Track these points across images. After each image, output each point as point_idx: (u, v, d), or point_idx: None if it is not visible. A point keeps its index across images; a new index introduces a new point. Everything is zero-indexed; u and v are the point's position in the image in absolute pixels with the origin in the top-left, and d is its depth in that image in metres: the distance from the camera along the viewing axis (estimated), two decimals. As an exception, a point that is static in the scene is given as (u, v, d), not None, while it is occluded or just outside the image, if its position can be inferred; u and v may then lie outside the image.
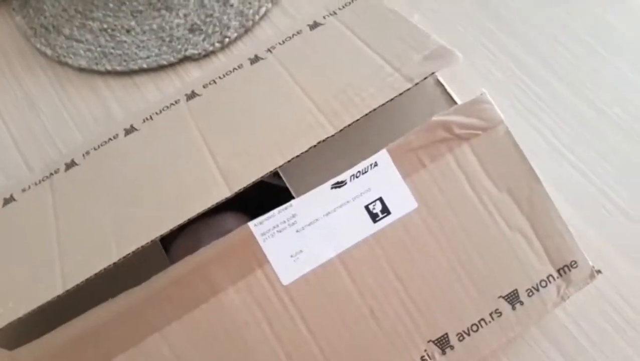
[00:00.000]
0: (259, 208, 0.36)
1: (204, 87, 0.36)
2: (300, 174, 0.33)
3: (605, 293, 0.37)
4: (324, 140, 0.30)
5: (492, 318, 0.30)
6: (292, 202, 0.31)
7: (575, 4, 0.49)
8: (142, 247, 0.28)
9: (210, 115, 0.34)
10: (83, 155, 0.35)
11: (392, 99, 0.30)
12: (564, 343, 0.35)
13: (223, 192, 0.29)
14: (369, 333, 0.30)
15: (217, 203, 0.29)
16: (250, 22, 0.49)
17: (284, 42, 0.37)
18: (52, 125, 0.47)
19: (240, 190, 0.29)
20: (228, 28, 0.49)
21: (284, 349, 0.29)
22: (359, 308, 0.30)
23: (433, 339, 0.30)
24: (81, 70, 0.49)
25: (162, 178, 0.32)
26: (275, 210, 0.31)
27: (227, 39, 0.48)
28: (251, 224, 0.30)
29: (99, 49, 0.49)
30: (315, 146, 0.30)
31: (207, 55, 0.48)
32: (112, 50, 0.49)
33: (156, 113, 0.36)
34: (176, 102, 0.36)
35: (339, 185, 0.31)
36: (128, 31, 0.50)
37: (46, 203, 0.33)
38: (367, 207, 0.31)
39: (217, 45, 0.48)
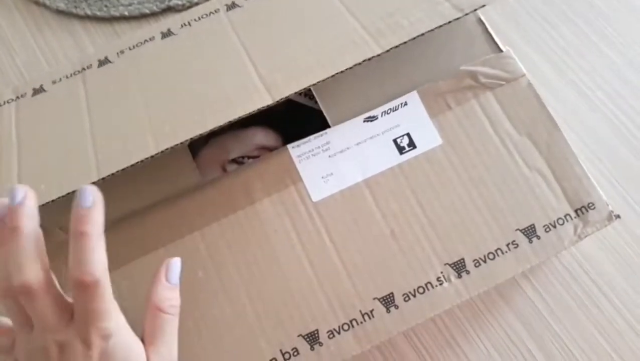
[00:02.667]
0: (287, 126, 0.39)
1: (245, -2, 0.39)
2: (333, 97, 0.36)
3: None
4: (369, 59, 0.32)
5: (509, 249, 0.33)
6: (327, 130, 0.36)
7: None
8: (180, 143, 0.31)
9: (251, 27, 0.37)
10: (117, 54, 0.38)
11: (440, 26, 0.33)
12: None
13: (265, 99, 0.32)
14: (387, 251, 0.33)
15: (258, 110, 0.32)
16: (237, -23, 0.49)
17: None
18: (24, 64, 0.47)
19: (282, 99, 0.32)
20: (214, -20, 0.47)
21: (308, 257, 0.33)
22: (381, 228, 0.34)
23: (450, 262, 0.33)
24: (59, 12, 0.48)
25: (200, 82, 0.34)
26: (312, 136, 0.36)
27: None
28: (289, 146, 0.35)
29: None
30: (360, 64, 0.32)
31: (191, 6, 0.47)
32: None
33: (194, 20, 0.39)
34: (215, 11, 0.39)
35: (370, 119, 0.36)
36: (110, -24, 0.49)
37: (78, 95, 0.36)
38: (395, 140, 0.36)
39: None
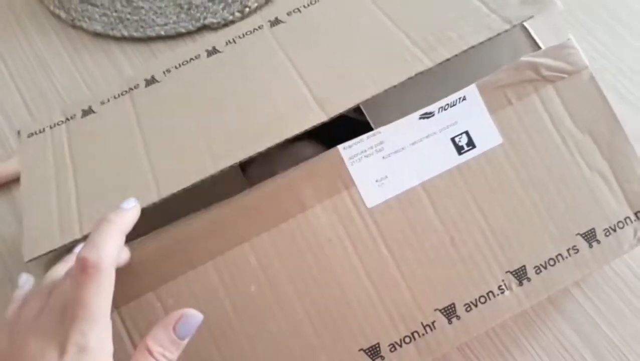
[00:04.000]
0: (335, 141, 0.39)
1: (287, 14, 0.39)
2: (380, 111, 0.36)
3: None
4: (421, 73, 0.32)
5: (569, 254, 0.34)
6: (381, 128, 0.34)
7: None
8: (236, 162, 0.31)
9: (296, 43, 0.37)
10: (164, 73, 0.38)
11: (489, 39, 0.33)
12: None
13: (319, 116, 0.32)
14: (447, 260, 0.33)
15: (313, 127, 0.32)
16: (271, -7, 0.50)
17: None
18: (64, 88, 0.48)
19: (336, 115, 0.32)
20: (248, -2, 0.50)
21: (364, 268, 0.33)
22: (440, 235, 0.33)
23: (511, 270, 0.33)
24: (96, 35, 0.50)
25: (251, 100, 0.34)
26: (364, 136, 0.34)
27: (247, 9, 0.50)
28: (340, 147, 0.34)
29: (115, 14, 0.50)
30: (412, 78, 0.33)
31: (227, 24, 0.49)
32: (128, 16, 0.50)
33: (239, 37, 0.38)
34: (259, 27, 0.39)
35: (426, 116, 0.34)
36: (145, -3, 0.50)
37: (128, 115, 0.36)
38: (453, 139, 0.34)
39: (237, 14, 0.49)
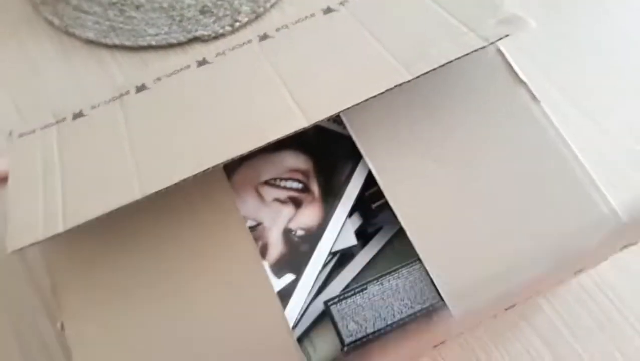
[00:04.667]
0: (317, 149, 0.41)
1: (276, 30, 0.41)
2: (361, 119, 0.38)
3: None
4: (399, 85, 0.34)
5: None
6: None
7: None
8: (218, 164, 0.32)
9: (284, 55, 0.38)
10: (154, 81, 0.39)
11: (467, 54, 0.34)
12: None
13: (301, 122, 0.33)
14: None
15: (295, 132, 0.33)
16: (262, 9, 0.53)
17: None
18: (55, 93, 0.49)
19: (318, 121, 0.33)
20: (239, 12, 0.52)
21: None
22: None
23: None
24: (88, 42, 0.51)
25: (237, 107, 0.36)
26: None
27: (237, 23, 0.51)
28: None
29: (107, 22, 0.51)
30: (391, 89, 0.34)
31: (217, 37, 0.51)
32: (121, 25, 0.51)
33: (229, 49, 0.40)
34: (249, 42, 0.40)
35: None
36: (138, 7, 0.52)
37: (117, 119, 0.37)
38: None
39: (228, 27, 0.51)
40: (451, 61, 0.34)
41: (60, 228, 0.31)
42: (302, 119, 0.34)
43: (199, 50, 0.41)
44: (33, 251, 0.33)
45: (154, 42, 0.51)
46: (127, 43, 0.51)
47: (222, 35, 0.51)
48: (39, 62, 0.51)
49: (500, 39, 0.35)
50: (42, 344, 0.39)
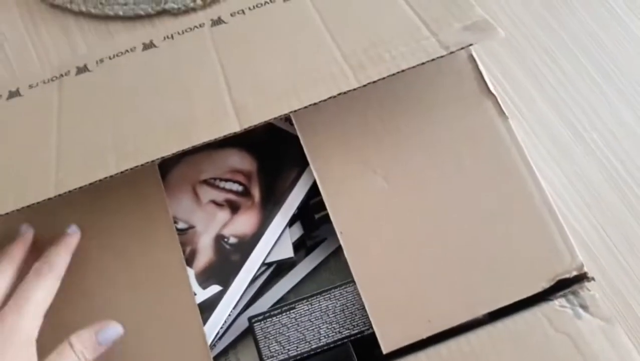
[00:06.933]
0: (265, 149, 0.38)
1: (231, 15, 0.38)
2: (311, 122, 0.35)
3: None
4: (344, 93, 0.31)
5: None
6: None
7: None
8: (141, 165, 0.30)
9: (232, 45, 0.36)
10: (96, 62, 0.37)
11: (422, 63, 0.31)
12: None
13: (233, 126, 0.31)
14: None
15: (224, 136, 0.31)
16: (235, -15, 0.49)
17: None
18: (14, 56, 0.48)
19: (249, 127, 0.31)
20: (212, -14, 0.48)
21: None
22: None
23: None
24: (54, 6, 0.49)
25: (172, 101, 0.33)
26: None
27: None
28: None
29: None
30: (335, 97, 0.31)
31: (187, 11, 0.48)
32: None
33: (178, 33, 0.37)
34: (200, 26, 0.37)
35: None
36: (108, -26, 0.49)
37: (51, 104, 0.35)
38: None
39: (199, 2, 0.48)
40: (403, 70, 0.31)
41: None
42: (234, 122, 0.31)
43: (147, 32, 0.39)
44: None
45: (121, 12, 0.49)
46: (94, 11, 0.49)
47: (193, 9, 0.49)
48: (2, 25, 0.49)
49: (462, 48, 0.31)
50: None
